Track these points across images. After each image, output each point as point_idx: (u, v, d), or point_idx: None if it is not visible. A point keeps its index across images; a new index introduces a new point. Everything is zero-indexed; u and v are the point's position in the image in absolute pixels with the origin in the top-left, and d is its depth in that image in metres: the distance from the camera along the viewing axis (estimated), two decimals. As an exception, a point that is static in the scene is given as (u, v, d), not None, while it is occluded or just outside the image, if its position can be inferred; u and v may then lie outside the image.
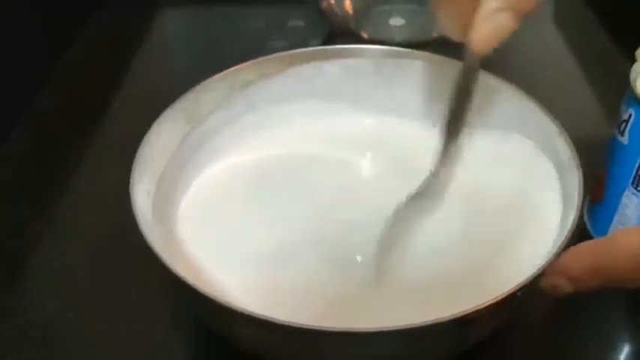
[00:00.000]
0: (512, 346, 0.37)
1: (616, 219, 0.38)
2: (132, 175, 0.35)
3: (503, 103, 0.41)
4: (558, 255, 0.31)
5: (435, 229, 0.38)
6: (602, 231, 0.40)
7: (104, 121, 0.52)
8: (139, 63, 0.59)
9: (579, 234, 0.41)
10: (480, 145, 0.42)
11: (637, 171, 0.36)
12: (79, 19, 0.62)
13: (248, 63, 0.43)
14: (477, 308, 0.29)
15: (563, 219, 0.33)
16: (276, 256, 0.38)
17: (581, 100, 0.54)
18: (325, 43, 0.58)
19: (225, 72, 0.42)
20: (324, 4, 0.58)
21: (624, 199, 0.37)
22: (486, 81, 0.41)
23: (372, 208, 0.40)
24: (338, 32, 0.58)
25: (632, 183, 0.37)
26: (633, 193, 0.37)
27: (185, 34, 0.66)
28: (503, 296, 0.30)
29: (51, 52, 0.58)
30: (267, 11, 0.64)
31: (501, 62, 0.56)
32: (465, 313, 0.29)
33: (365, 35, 0.56)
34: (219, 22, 0.65)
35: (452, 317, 0.28)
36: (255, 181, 0.42)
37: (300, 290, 0.36)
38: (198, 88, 0.41)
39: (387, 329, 0.28)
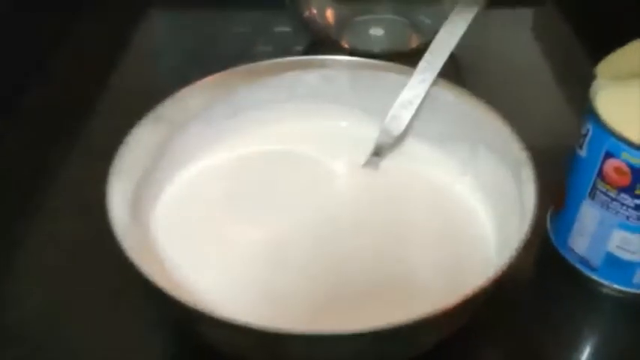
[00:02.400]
0: (481, 339, 0.39)
1: (575, 226, 0.40)
2: (109, 175, 0.37)
3: (470, 116, 0.42)
4: (513, 259, 0.33)
5: (403, 237, 0.40)
6: (562, 237, 0.42)
7: (89, 122, 0.53)
8: (125, 65, 0.59)
9: (541, 241, 0.43)
10: (449, 158, 0.44)
11: (593, 183, 0.38)
12: (68, 19, 0.62)
13: (229, 71, 0.45)
14: (439, 311, 0.31)
15: (520, 227, 0.35)
16: (248, 257, 0.39)
17: (554, 110, 0.55)
18: (306, 51, 0.59)
19: (207, 78, 0.44)
20: (306, 14, 0.58)
21: (582, 209, 0.39)
22: (457, 94, 0.43)
23: (346, 206, 0.42)
24: (319, 41, 0.59)
25: (589, 194, 0.38)
26: (590, 204, 0.39)
27: (172, 38, 0.66)
28: (467, 298, 0.31)
29: (38, 51, 0.58)
30: (253, 17, 0.65)
31: (478, 71, 0.58)
32: (426, 315, 0.30)
33: (346, 45, 0.57)
34: (207, 26, 0.65)
35: (411, 320, 0.30)
36: (233, 181, 0.43)
37: (271, 292, 0.37)
38: (181, 93, 0.43)
39: (354, 332, 0.30)
